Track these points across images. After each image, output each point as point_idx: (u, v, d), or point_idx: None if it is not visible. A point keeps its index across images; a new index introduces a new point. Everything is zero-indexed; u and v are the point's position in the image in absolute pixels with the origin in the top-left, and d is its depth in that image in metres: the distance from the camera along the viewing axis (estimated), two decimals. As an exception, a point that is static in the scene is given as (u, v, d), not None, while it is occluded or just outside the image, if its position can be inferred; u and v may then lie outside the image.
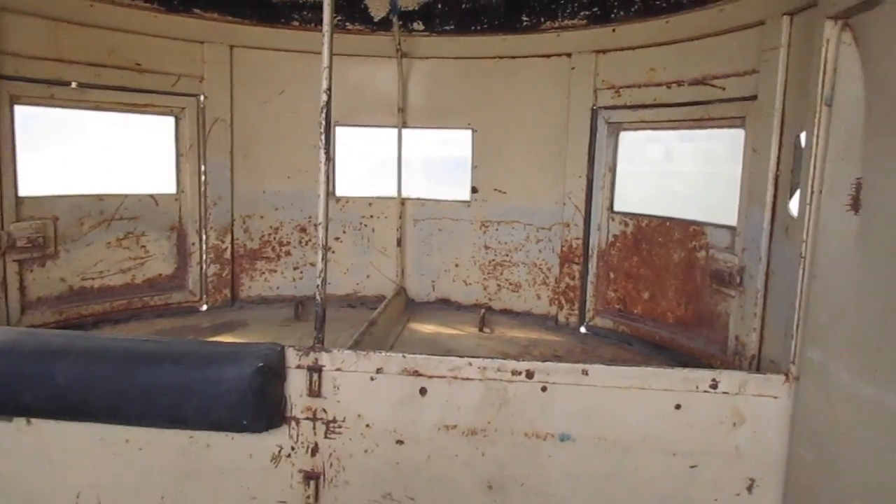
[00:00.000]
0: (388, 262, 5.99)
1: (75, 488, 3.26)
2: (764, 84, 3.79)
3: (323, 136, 3.08)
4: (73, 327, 4.76)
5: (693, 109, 4.39)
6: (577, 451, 3.05)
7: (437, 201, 5.93)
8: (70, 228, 4.78)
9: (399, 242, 5.90)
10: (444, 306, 5.95)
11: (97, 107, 4.88)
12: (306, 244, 5.94)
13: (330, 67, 3.03)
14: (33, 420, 3.21)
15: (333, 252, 5.94)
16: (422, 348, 4.72)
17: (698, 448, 2.98)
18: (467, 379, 3.08)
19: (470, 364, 3.07)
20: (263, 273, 5.86)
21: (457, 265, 5.91)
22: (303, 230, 5.92)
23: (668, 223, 4.71)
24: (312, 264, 5.96)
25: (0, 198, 4.23)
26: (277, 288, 5.91)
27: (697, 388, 2.96)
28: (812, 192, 2.74)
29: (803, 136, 2.92)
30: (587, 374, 3.00)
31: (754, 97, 3.88)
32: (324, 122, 3.06)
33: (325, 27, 3.01)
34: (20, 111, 4.43)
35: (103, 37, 4.78)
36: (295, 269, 5.94)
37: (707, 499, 3.06)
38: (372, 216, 5.97)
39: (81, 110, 4.91)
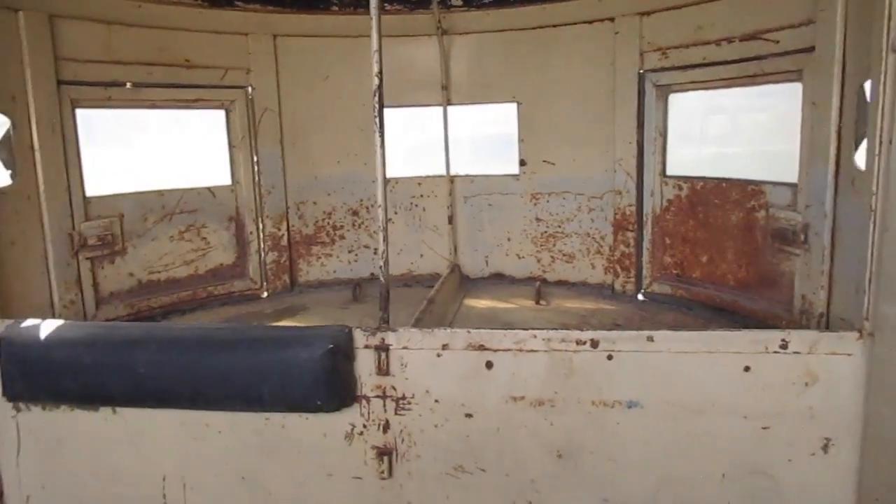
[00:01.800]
0: (440, 241, 6.04)
1: (161, 472, 3.41)
2: (822, 34, 3.66)
3: (377, 119, 3.11)
4: (144, 319, 4.94)
5: (745, 66, 4.28)
6: (646, 418, 3.05)
7: (486, 176, 5.93)
8: (135, 225, 4.94)
9: (450, 220, 5.93)
10: (498, 281, 5.98)
11: (152, 105, 5.02)
12: (359, 227, 6.02)
13: (380, 51, 3.05)
14: (118, 409, 3.36)
15: (378, 233, 5.99)
16: (480, 323, 4.77)
17: (770, 410, 2.96)
18: (532, 351, 3.10)
19: (534, 336, 3.09)
20: (319, 258, 5.97)
21: (509, 239, 5.91)
22: (355, 213, 6.00)
23: (724, 184, 4.62)
24: (366, 247, 6.05)
25: (70, 199, 4.39)
26: (334, 271, 6.02)
27: (767, 349, 2.92)
28: (881, 143, 2.66)
29: (868, 85, 2.83)
30: (653, 340, 3.00)
31: (811, 49, 3.76)
32: (377, 106, 3.09)
33: (373, 10, 3.02)
34: (80, 114, 4.57)
35: (153, 36, 4.89)
36: (349, 251, 6.03)
37: (780, 460, 3.04)
38: (422, 195, 6.01)
39: (136, 109, 5.05)
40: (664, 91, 4.94)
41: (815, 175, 3.76)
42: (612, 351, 3.04)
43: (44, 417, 3.43)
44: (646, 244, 5.22)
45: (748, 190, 4.42)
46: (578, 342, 3.06)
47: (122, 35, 4.73)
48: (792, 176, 4.01)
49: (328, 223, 5.96)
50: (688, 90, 4.84)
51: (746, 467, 3.05)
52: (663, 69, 4.88)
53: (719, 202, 4.63)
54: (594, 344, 3.06)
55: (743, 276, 4.51)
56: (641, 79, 5.02)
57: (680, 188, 4.95)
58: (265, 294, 5.72)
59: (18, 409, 3.45)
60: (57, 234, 4.31)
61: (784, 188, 4.12)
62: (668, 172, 5.05)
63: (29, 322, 3.42)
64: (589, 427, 3.11)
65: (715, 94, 5.04)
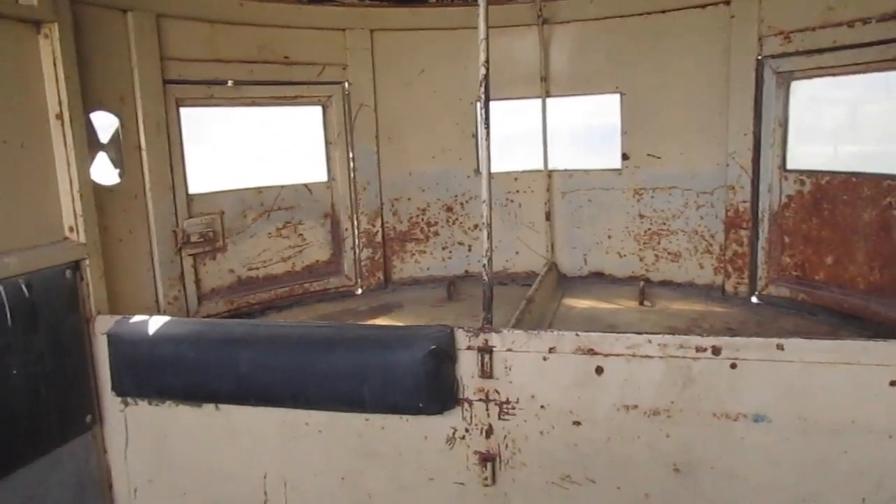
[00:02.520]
0: (536, 238, 5.85)
1: (262, 469, 3.41)
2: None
3: (483, 111, 2.97)
4: (243, 315, 5.01)
5: (884, 48, 3.89)
6: (775, 433, 2.79)
7: (586, 171, 5.70)
8: (235, 221, 5.01)
9: (548, 216, 5.74)
10: (597, 280, 5.74)
11: (252, 103, 5.08)
12: (453, 223, 5.92)
13: (487, 39, 2.90)
14: (221, 406, 3.38)
15: (481, 230, 5.87)
16: (581, 324, 4.57)
17: (922, 429, 2.64)
18: (647, 356, 2.90)
19: (649, 341, 2.88)
20: (413, 254, 5.91)
21: (609, 237, 5.66)
22: (449, 209, 5.90)
23: (854, 179, 4.23)
24: (461, 243, 5.94)
25: (174, 197, 4.47)
26: (427, 269, 5.94)
27: (918, 362, 2.61)
28: None
29: None
30: (783, 348, 2.73)
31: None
32: (483, 97, 2.96)
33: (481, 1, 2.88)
34: (184, 112, 4.65)
35: (254, 34, 4.94)
36: (444, 248, 5.94)
37: (933, 485, 2.72)
38: (518, 191, 5.85)
39: (238, 107, 5.11)
40: (786, 78, 4.57)
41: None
42: (737, 359, 2.80)
43: (150, 412, 3.50)
44: (761, 243, 4.86)
45: (884, 185, 4.02)
46: (698, 349, 2.83)
47: (224, 33, 4.79)
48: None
49: (422, 220, 5.89)
50: (814, 76, 4.45)
51: (892, 492, 2.75)
52: (785, 55, 4.51)
53: (848, 199, 4.25)
54: (716, 351, 2.82)
55: (876, 280, 4.11)
56: (760, 65, 4.67)
57: (802, 183, 4.57)
58: (359, 291, 5.70)
59: (126, 404, 3.53)
60: (162, 231, 4.41)
61: (928, 182, 3.72)
62: (789, 166, 4.68)
63: (136, 318, 3.48)
64: (710, 441, 2.88)
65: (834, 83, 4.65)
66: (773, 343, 2.75)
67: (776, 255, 4.80)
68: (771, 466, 2.82)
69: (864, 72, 4.15)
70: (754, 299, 4.96)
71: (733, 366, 2.80)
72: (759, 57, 4.66)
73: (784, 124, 4.66)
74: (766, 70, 4.65)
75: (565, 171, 5.74)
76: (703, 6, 4.92)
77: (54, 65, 3.33)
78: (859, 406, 2.70)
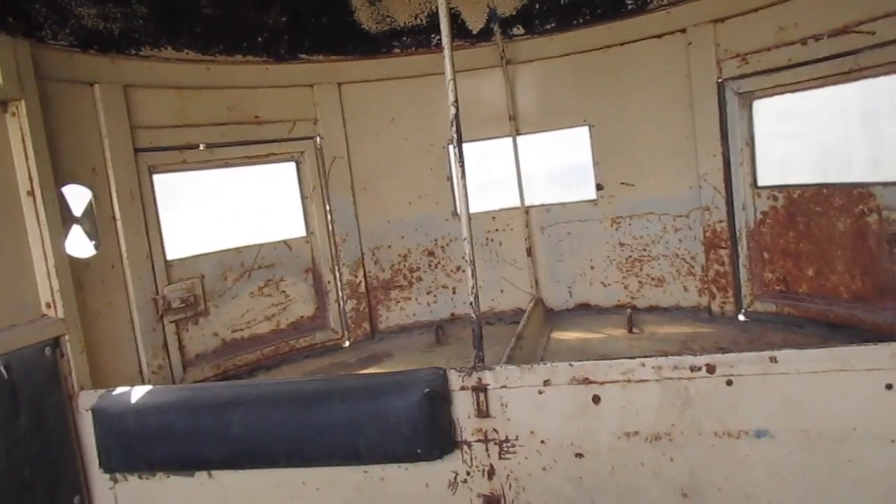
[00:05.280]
0: (519, 274, 5.85)
1: (261, 534, 3.30)
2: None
3: (456, 150, 3.00)
4: (230, 378, 4.90)
5: (838, 62, 4.00)
6: (778, 448, 2.76)
7: (563, 205, 5.74)
8: (216, 284, 4.96)
9: (529, 252, 5.75)
10: (584, 311, 5.73)
11: (225, 164, 5.07)
12: (436, 267, 5.91)
13: (454, 80, 2.95)
14: (214, 472, 3.28)
15: (464, 272, 5.87)
16: (572, 356, 4.54)
17: (924, 430, 2.63)
18: (642, 381, 2.88)
19: (643, 365, 2.87)
20: (398, 302, 5.87)
21: (592, 267, 5.68)
22: (431, 254, 5.89)
23: (825, 190, 4.30)
24: (445, 286, 5.92)
25: (152, 264, 4.42)
26: (413, 315, 5.90)
27: (912, 362, 2.61)
28: None
29: None
30: (776, 361, 2.73)
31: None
32: (455, 135, 2.98)
33: (445, 39, 2.94)
34: (156, 179, 4.63)
35: (222, 96, 4.97)
36: (428, 293, 5.91)
37: (941, 486, 2.70)
38: (497, 230, 5.87)
39: (210, 170, 5.10)
40: (747, 98, 4.68)
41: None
42: (732, 375, 2.79)
43: (141, 487, 3.39)
44: (742, 261, 4.90)
45: (854, 194, 4.09)
46: (693, 368, 2.82)
47: (192, 98, 4.81)
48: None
49: (404, 266, 5.87)
50: (773, 94, 4.55)
51: (902, 498, 2.72)
52: (744, 76, 4.63)
53: (822, 209, 4.31)
54: (710, 369, 2.81)
55: (858, 288, 4.15)
56: (721, 88, 4.78)
57: (775, 199, 4.64)
58: (347, 343, 5.63)
59: (116, 481, 3.43)
60: (142, 300, 4.34)
61: (897, 187, 3.79)
62: (760, 183, 4.75)
63: (120, 390, 3.40)
64: (714, 461, 2.84)
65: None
66: (766, 356, 2.74)
67: (758, 272, 4.83)
68: (778, 482, 2.79)
69: (822, 86, 4.26)
70: (741, 317, 4.97)
71: (729, 382, 2.79)
72: (720, 80, 4.78)
73: (751, 143, 4.74)
74: (728, 92, 4.75)
75: (542, 205, 5.78)
76: (660, 35, 5.05)
77: (23, 142, 3.33)
78: (858, 413, 2.68)
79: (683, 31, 4.91)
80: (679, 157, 5.13)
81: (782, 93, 4.51)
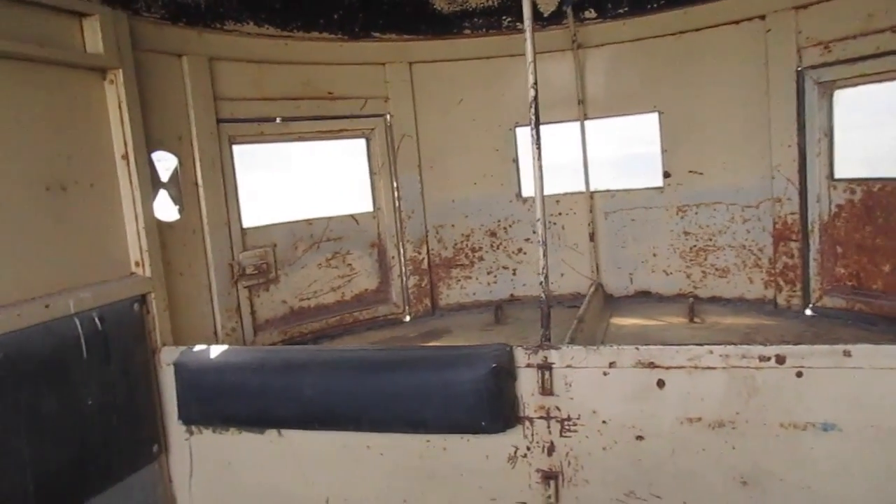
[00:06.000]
0: (580, 259, 5.87)
1: (325, 493, 3.45)
2: None
3: (532, 132, 3.04)
4: (296, 345, 5.08)
5: (931, 53, 3.88)
6: (846, 442, 2.75)
7: (628, 191, 5.71)
8: (286, 253, 5.13)
9: (591, 237, 5.75)
10: (644, 299, 5.71)
11: (299, 138, 5.22)
12: (497, 248, 5.97)
13: (534, 62, 2.98)
14: (283, 431, 3.44)
15: (525, 254, 5.92)
16: (633, 341, 4.51)
17: None
18: (709, 368, 2.89)
19: (710, 352, 2.88)
20: (459, 280, 5.96)
21: (654, 255, 5.65)
22: (493, 234, 5.95)
23: (907, 185, 4.19)
24: (505, 268, 5.98)
25: (229, 231, 4.61)
26: (473, 294, 5.98)
27: None
28: None
29: None
30: (850, 355, 2.71)
31: None
32: (533, 118, 3.02)
33: (526, 21, 2.97)
34: (236, 150, 4.80)
35: (298, 71, 5.10)
36: (489, 273, 5.98)
37: None
38: (560, 213, 5.88)
39: (285, 143, 5.27)
40: (828, 88, 4.56)
41: None
42: (802, 367, 2.78)
43: (214, 440, 3.57)
44: (813, 254, 4.80)
45: (937, 189, 3.97)
46: (762, 358, 2.82)
47: (270, 72, 4.95)
48: None
49: (466, 245, 5.95)
50: (857, 84, 4.43)
51: (972, 499, 2.68)
52: (825, 65, 4.51)
53: (902, 204, 4.20)
54: (780, 360, 2.80)
55: (936, 286, 4.04)
56: (800, 76, 4.67)
57: (853, 192, 4.53)
58: (407, 318, 5.76)
59: (191, 433, 3.61)
60: (219, 264, 4.53)
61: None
62: (837, 175, 4.64)
63: (200, 348, 3.58)
64: (777, 452, 2.84)
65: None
66: (839, 350, 2.72)
67: (829, 266, 4.74)
68: (843, 476, 2.78)
69: (911, 77, 4.13)
70: (808, 312, 4.89)
71: (799, 374, 2.78)
72: (799, 68, 4.66)
73: (829, 134, 4.63)
74: (807, 81, 4.64)
75: (607, 191, 5.77)
76: (738, 22, 4.95)
77: (119, 108, 3.51)
78: (932, 411, 2.65)
79: (763, 17, 4.80)
80: (751, 147, 5.04)
81: (866, 83, 4.38)
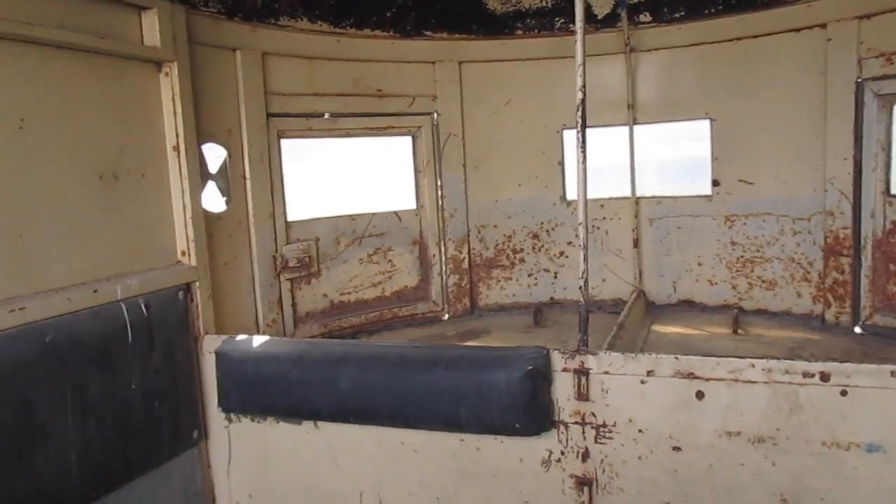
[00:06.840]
0: (623, 265, 5.80)
1: (359, 487, 3.49)
2: None
3: (579, 135, 3.02)
4: (335, 338, 5.14)
5: None
6: (891, 465, 2.67)
7: (674, 198, 5.63)
8: (329, 248, 5.19)
9: (636, 243, 5.68)
10: (687, 308, 5.62)
11: (346, 134, 5.28)
12: (539, 251, 5.94)
13: (584, 65, 2.96)
14: (320, 423, 3.49)
15: (567, 257, 5.88)
16: (673, 351, 4.41)
17: None
18: (750, 382, 2.83)
19: (752, 365, 2.82)
20: (499, 281, 5.95)
21: (700, 264, 5.55)
22: (535, 237, 5.92)
23: (968, 202, 4.04)
24: (546, 270, 5.95)
25: (274, 224, 4.69)
26: (513, 295, 5.97)
27: None
28: None
29: None
30: (899, 375, 2.63)
31: None
32: (580, 121, 3.00)
33: (578, 23, 2.96)
34: (283, 144, 4.88)
35: (349, 68, 5.15)
36: (529, 275, 5.96)
37: None
38: (604, 218, 5.83)
39: (333, 138, 5.33)
40: (888, 101, 4.42)
41: None
42: (847, 386, 2.71)
43: (252, 429, 3.64)
44: (864, 271, 4.66)
45: None
46: (805, 374, 2.76)
47: (321, 68, 5.02)
48: None
49: (508, 246, 5.94)
50: (919, 98, 4.30)
51: None
52: (887, 77, 4.37)
53: (961, 222, 4.05)
54: (825, 377, 2.73)
55: None
56: (859, 88, 4.54)
57: (909, 208, 4.39)
58: (446, 316, 5.77)
59: (230, 420, 3.69)
60: (263, 256, 4.61)
61: None
62: (894, 191, 4.50)
63: (242, 338, 3.65)
64: (819, 470, 2.77)
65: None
66: (886, 370, 2.64)
67: (881, 284, 4.60)
68: (886, 498, 2.69)
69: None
70: (857, 329, 4.75)
71: (843, 393, 2.71)
72: (859, 79, 4.53)
73: (887, 148, 4.49)
74: (867, 93, 4.51)
75: (653, 197, 5.69)
76: (798, 30, 4.83)
77: (173, 101, 3.60)
78: (984, 438, 2.56)
79: (823, 26, 4.68)
80: (805, 158, 4.92)
81: (929, 96, 4.24)
